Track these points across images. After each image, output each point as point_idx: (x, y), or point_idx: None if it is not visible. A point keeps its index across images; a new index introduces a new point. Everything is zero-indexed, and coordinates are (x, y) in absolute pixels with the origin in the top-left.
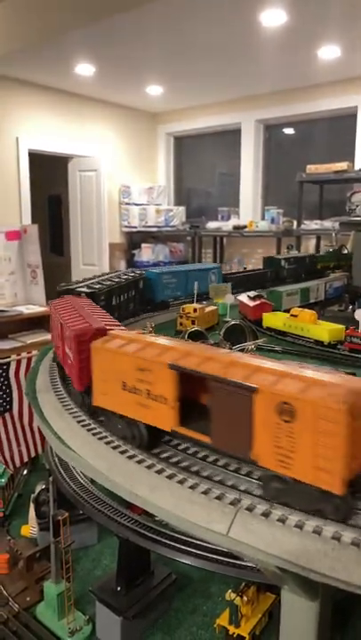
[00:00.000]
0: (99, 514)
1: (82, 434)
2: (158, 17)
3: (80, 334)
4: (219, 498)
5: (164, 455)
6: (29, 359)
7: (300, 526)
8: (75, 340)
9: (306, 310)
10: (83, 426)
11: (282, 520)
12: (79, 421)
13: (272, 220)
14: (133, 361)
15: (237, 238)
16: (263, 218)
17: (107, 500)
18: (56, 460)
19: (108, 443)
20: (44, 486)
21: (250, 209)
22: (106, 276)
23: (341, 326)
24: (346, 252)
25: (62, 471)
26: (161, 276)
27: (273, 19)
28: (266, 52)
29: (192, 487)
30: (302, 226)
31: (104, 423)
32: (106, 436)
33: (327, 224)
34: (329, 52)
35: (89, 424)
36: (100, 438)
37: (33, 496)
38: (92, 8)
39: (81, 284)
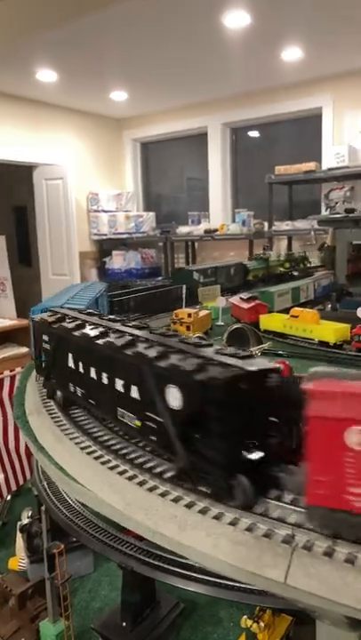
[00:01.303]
0: (98, 543)
1: (88, 463)
2: (120, 21)
3: None
4: (267, 535)
5: (190, 485)
6: (12, 377)
7: None
8: None
9: (307, 310)
10: (88, 453)
11: (350, 560)
12: (83, 448)
13: (243, 223)
14: None
15: (209, 242)
16: (234, 221)
17: (103, 525)
18: (45, 484)
19: (121, 473)
20: (30, 512)
21: (220, 212)
22: None
23: (347, 325)
24: (326, 245)
25: (52, 497)
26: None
27: (236, 20)
28: (230, 54)
29: (232, 523)
30: (273, 227)
31: None
32: (118, 465)
33: (298, 224)
34: (292, 54)
35: (95, 451)
36: (112, 468)
37: (20, 524)
38: (63, 9)
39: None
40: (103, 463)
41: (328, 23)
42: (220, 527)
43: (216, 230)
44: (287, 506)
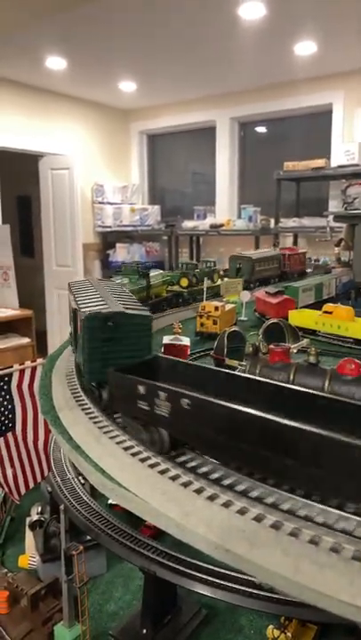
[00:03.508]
0: (119, 546)
1: (134, 465)
2: (132, 8)
3: None
4: (358, 558)
5: (255, 494)
6: (34, 369)
7: None
8: None
9: (341, 306)
10: (133, 454)
11: None
12: (126, 448)
13: (249, 219)
14: None
15: (214, 237)
16: (240, 216)
17: (121, 525)
18: (59, 480)
19: (174, 478)
20: (40, 508)
21: (226, 207)
22: None
23: None
24: (342, 243)
25: (68, 494)
26: None
27: (252, 12)
28: (242, 48)
29: (313, 542)
30: (280, 224)
31: None
32: (168, 469)
33: (305, 222)
34: (306, 48)
35: (140, 452)
36: (162, 472)
37: (29, 520)
38: None
39: None
40: (152, 466)
41: (344, 18)
42: (299, 546)
43: (222, 225)
44: None
